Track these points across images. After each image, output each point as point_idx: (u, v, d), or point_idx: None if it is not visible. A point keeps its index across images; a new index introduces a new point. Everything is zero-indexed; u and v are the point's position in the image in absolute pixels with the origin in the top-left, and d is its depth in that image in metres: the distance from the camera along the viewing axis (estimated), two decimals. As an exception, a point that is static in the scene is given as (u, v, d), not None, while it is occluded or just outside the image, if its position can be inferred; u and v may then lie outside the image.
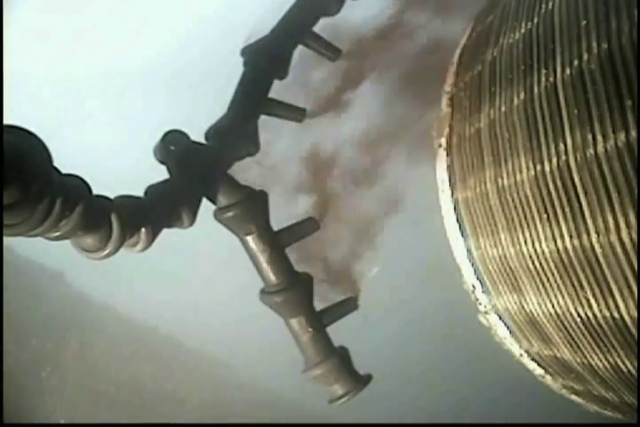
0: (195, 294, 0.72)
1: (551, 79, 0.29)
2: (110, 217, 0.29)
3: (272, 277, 0.41)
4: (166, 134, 0.38)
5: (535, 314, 0.32)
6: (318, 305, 0.42)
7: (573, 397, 0.39)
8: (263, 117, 0.43)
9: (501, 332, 0.37)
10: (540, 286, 0.31)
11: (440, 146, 0.39)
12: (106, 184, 0.30)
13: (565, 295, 0.29)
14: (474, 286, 0.37)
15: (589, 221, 0.27)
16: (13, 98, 0.59)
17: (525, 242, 0.30)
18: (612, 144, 0.25)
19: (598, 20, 0.27)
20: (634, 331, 0.27)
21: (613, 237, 0.26)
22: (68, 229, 0.26)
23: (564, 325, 0.31)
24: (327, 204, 0.48)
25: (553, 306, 0.31)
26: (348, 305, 0.44)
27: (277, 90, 0.44)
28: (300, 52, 0.46)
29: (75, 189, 0.27)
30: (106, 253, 0.30)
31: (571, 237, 0.28)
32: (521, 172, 0.30)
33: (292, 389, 0.69)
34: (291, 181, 0.50)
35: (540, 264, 0.30)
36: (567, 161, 0.27)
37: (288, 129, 0.48)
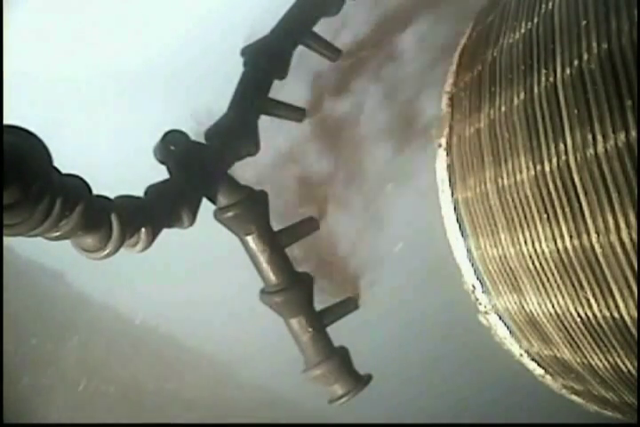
0: (195, 293, 0.72)
1: (551, 79, 0.29)
2: (110, 217, 0.29)
3: (272, 277, 0.41)
4: (166, 134, 0.38)
5: (535, 314, 0.32)
6: (318, 305, 0.42)
7: (573, 397, 0.39)
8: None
9: (501, 332, 0.37)
10: (540, 286, 0.31)
11: (440, 146, 0.39)
12: (106, 184, 0.30)
13: (565, 295, 0.29)
14: (474, 286, 0.37)
15: (589, 221, 0.27)
16: (13, 98, 0.59)
17: (525, 242, 0.30)
18: (612, 144, 0.25)
19: (598, 20, 0.27)
20: (634, 331, 0.27)
21: (613, 237, 0.26)
22: (68, 229, 0.26)
23: (564, 325, 0.31)
24: (326, 204, 0.48)
25: (553, 306, 0.31)
26: (348, 305, 0.44)
27: (277, 90, 0.44)
28: (300, 52, 0.46)
29: (75, 189, 0.27)
30: (106, 253, 0.30)
31: (571, 237, 0.28)
32: (521, 172, 0.30)
33: (291, 389, 0.69)
34: (290, 180, 0.50)
35: (540, 264, 0.30)
36: (567, 161, 0.27)
37: (288, 128, 0.48)
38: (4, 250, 0.68)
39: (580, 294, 0.29)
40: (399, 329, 0.72)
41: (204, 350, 0.80)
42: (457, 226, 0.37)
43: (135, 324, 0.79)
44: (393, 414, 0.72)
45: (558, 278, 0.29)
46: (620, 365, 0.29)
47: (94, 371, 0.78)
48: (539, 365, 0.37)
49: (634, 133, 0.25)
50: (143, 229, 0.32)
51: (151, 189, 0.35)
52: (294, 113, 0.46)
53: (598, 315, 0.28)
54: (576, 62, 0.27)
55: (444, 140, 0.38)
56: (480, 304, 0.37)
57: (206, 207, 0.39)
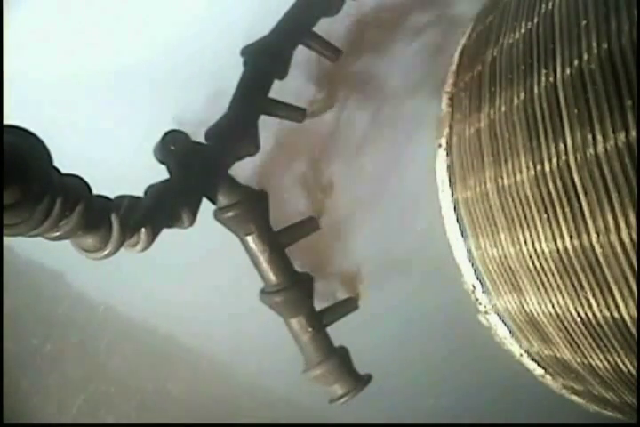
0: (195, 293, 0.72)
1: (551, 79, 0.29)
2: (110, 217, 0.29)
3: (272, 277, 0.41)
4: (166, 134, 0.38)
5: (535, 314, 0.32)
6: (318, 305, 0.42)
7: (573, 397, 0.39)
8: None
9: (501, 332, 0.37)
10: (540, 286, 0.31)
11: (440, 146, 0.39)
12: (106, 184, 0.30)
13: (565, 295, 0.29)
14: (474, 286, 0.37)
15: (589, 221, 0.27)
16: (13, 98, 0.59)
17: (525, 242, 0.30)
18: (612, 144, 0.25)
19: (598, 20, 0.27)
20: (634, 331, 0.27)
21: (613, 237, 0.26)
22: (68, 229, 0.26)
23: (564, 325, 0.31)
24: (325, 204, 0.48)
25: (553, 306, 0.31)
26: (348, 305, 0.44)
27: (277, 90, 0.44)
28: (300, 52, 0.46)
29: (75, 189, 0.27)
30: (106, 253, 0.30)
31: (571, 237, 0.28)
32: (521, 172, 0.30)
33: (291, 389, 0.69)
34: (290, 180, 0.50)
35: (540, 264, 0.30)
36: (567, 161, 0.27)
37: (287, 128, 0.48)
38: (4, 250, 0.68)
39: (580, 294, 0.29)
40: (399, 329, 0.72)
41: (204, 349, 0.80)
42: (457, 226, 0.37)
43: (135, 324, 0.79)
44: (393, 414, 0.72)
45: (558, 278, 0.29)
46: (620, 365, 0.29)
47: (94, 371, 0.78)
48: (539, 365, 0.37)
49: (634, 133, 0.25)
50: (143, 229, 0.32)
51: (151, 189, 0.35)
52: (294, 113, 0.46)
53: (598, 315, 0.28)
54: (576, 62, 0.27)
55: (443, 141, 0.38)
56: (480, 304, 0.37)
57: (206, 207, 0.39)
